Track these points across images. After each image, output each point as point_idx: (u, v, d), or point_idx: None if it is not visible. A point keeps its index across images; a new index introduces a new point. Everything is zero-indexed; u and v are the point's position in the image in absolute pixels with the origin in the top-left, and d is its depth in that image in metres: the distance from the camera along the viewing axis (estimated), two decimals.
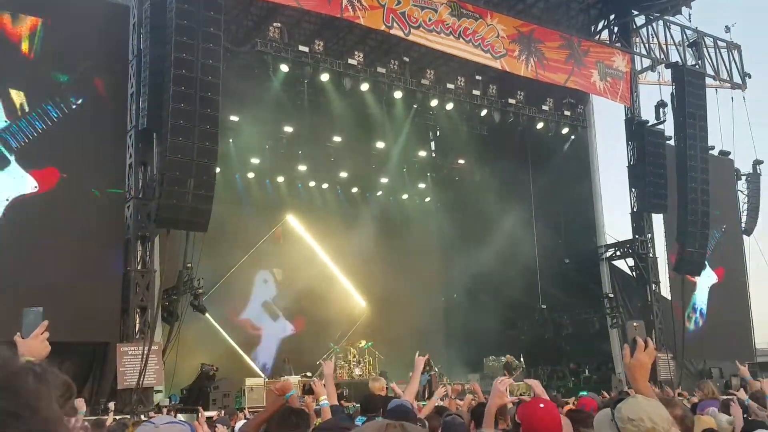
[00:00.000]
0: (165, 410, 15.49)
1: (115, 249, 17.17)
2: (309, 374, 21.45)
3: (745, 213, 30.30)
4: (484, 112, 24.45)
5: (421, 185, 30.98)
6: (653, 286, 25.31)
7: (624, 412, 2.64)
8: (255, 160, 26.46)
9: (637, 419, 2.58)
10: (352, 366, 23.18)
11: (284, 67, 20.77)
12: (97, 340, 16.75)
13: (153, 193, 17.13)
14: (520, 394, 4.24)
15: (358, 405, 9.79)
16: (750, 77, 28.93)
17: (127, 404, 15.90)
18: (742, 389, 7.90)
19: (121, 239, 17.34)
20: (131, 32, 17.89)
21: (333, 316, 27.03)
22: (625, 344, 3.23)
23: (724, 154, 28.53)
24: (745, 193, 30.44)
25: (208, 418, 11.38)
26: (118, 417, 14.22)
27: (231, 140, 24.66)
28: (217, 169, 17.44)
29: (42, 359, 2.79)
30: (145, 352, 16.20)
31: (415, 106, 24.63)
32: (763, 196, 30.20)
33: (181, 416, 15.60)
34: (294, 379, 20.18)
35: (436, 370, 22.67)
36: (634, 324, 24.10)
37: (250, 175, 26.88)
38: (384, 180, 29.51)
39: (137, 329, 16.90)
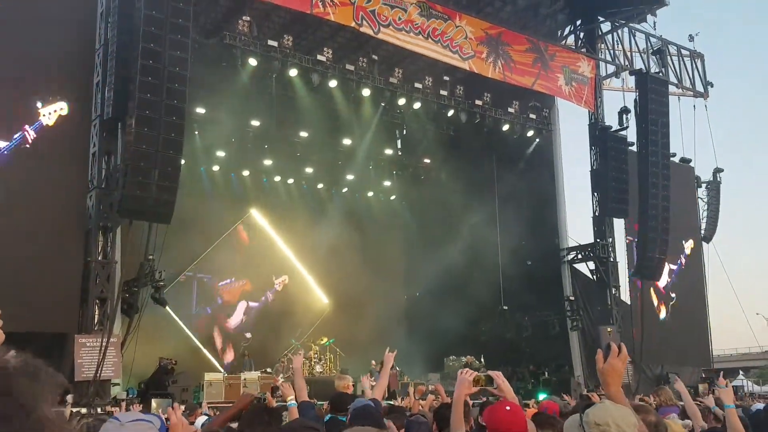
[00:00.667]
0: (124, 404, 15.34)
1: (76, 239, 16.91)
2: (269, 370, 21.55)
3: (705, 220, 31.02)
4: (450, 113, 24.70)
5: (387, 183, 31.12)
6: (613, 290, 25.75)
7: (591, 417, 2.72)
8: (220, 153, 26.38)
9: (603, 424, 2.67)
10: (313, 363, 23.25)
11: (252, 61, 20.79)
12: (55, 330, 16.47)
13: (116, 183, 17.00)
14: (483, 385, 4.25)
15: (321, 403, 9.79)
16: (712, 86, 29.63)
17: (84, 396, 15.69)
18: (710, 396, 8.02)
19: (82, 229, 17.10)
20: (98, 21, 17.66)
21: (295, 312, 27.16)
22: (599, 349, 3.23)
23: (685, 161, 29.10)
24: (705, 200, 31.15)
25: None
26: (74, 410, 14.08)
27: (197, 132, 24.67)
28: (182, 161, 17.33)
29: None
30: (104, 344, 16.05)
31: (382, 104, 24.82)
32: (722, 203, 30.99)
33: (154, 402, 15.46)
34: (254, 375, 20.41)
35: (397, 369, 22.57)
36: (608, 329, 24.47)
37: (216, 167, 26.82)
38: (350, 176, 29.55)
39: (96, 321, 16.74)
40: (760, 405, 7.58)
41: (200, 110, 23.84)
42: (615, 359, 3.09)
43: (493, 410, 3.74)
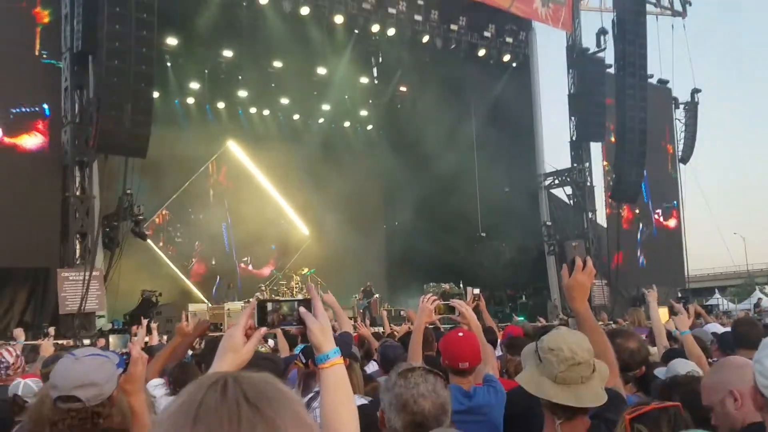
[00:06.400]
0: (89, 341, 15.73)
1: (54, 174, 17.27)
2: (251, 299, 22.11)
3: (682, 141, 31.63)
4: (425, 39, 24.77)
5: (363, 113, 31.32)
6: (590, 214, 26.53)
7: (546, 342, 2.77)
8: (194, 85, 26.47)
9: (556, 349, 2.72)
10: (294, 293, 23.44)
11: None
12: (37, 265, 17.04)
13: (90, 118, 17.22)
14: (442, 313, 4.32)
15: None
16: (690, 5, 29.76)
17: (69, 329, 16.31)
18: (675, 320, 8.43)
19: (59, 164, 17.45)
20: None
21: (275, 244, 28.06)
22: (564, 264, 3.26)
23: (662, 82, 29.37)
24: (683, 121, 31.55)
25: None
26: (59, 341, 14.63)
27: (169, 64, 24.89)
28: (156, 94, 17.82)
29: None
30: (87, 277, 16.58)
31: (356, 31, 24.86)
32: (700, 124, 31.38)
33: (111, 338, 16.06)
34: (237, 305, 20.89)
35: (377, 296, 23.62)
36: (573, 244, 25.08)
37: (190, 100, 27.03)
38: (326, 107, 29.57)
39: (78, 255, 17.27)
40: (714, 327, 7.81)
41: (171, 41, 23.84)
42: (580, 274, 3.11)
43: (447, 337, 3.87)
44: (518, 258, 26.36)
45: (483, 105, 27.48)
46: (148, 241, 21.55)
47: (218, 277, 25.44)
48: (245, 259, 28.34)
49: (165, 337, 15.82)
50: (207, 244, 27.19)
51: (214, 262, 27.12)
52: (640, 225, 28.96)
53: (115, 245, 18.15)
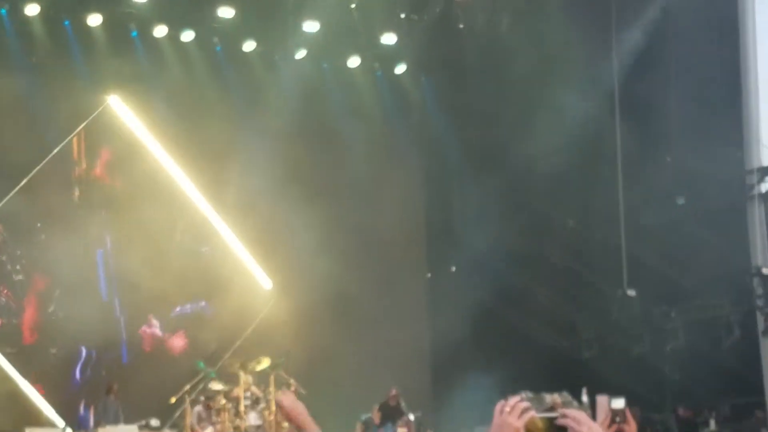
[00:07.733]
0: None
1: None
2: (154, 423, 23.16)
3: None
4: None
5: (387, 39, 29.48)
6: None
7: None
8: None
9: None
10: (244, 409, 23.53)
11: None
12: None
13: None
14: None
15: None
16: None
17: None
18: None
19: None
20: None
21: (205, 303, 28.25)
22: None
23: None
24: None
25: None
26: None
27: None
28: None
29: None
30: None
31: None
32: None
33: None
34: (131, 429, 22.07)
35: (411, 417, 23.83)
36: None
37: (31, 9, 26.59)
38: (310, 27, 27.99)
39: None
40: None
41: None
42: None
43: None
44: (702, 343, 24.81)
45: (635, 39, 26.47)
46: None
47: (83, 350, 26.20)
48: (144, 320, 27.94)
49: None
50: (63, 286, 26.87)
51: (51, 308, 27.47)
52: None
53: None
